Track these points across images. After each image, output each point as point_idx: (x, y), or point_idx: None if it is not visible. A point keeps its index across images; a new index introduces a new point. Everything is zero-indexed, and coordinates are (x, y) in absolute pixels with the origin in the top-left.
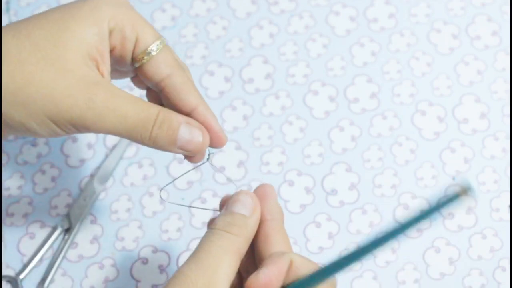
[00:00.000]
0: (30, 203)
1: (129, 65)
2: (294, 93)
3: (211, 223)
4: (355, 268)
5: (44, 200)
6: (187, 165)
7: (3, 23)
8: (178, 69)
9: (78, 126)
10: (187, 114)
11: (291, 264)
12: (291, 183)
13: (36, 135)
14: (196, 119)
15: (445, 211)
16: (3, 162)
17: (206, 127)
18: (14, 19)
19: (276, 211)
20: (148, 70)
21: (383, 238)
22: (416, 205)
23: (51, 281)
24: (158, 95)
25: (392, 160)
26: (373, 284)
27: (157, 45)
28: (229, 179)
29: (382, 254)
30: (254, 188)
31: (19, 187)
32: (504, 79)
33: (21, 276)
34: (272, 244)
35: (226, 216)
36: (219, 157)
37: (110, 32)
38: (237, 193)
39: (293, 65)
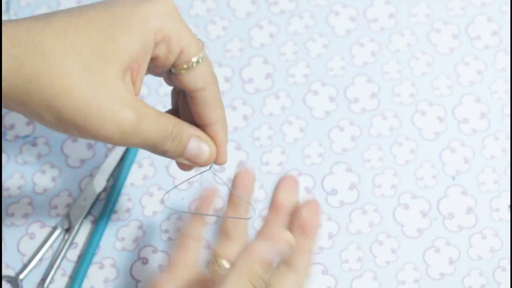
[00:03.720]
0: (30, 203)
1: (167, 71)
2: (294, 93)
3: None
4: (356, 268)
5: (44, 200)
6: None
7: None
8: (212, 84)
9: (101, 140)
10: (204, 125)
11: None
12: None
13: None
14: (208, 134)
15: None
16: (3, 162)
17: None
18: (14, 18)
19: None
20: (184, 80)
21: None
22: (416, 205)
23: (51, 281)
24: (181, 95)
25: (392, 160)
26: (373, 284)
27: (198, 58)
28: (230, 188)
29: (382, 254)
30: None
31: (19, 187)
32: (504, 79)
33: (21, 276)
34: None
35: None
36: None
37: (156, 44)
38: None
39: (293, 65)
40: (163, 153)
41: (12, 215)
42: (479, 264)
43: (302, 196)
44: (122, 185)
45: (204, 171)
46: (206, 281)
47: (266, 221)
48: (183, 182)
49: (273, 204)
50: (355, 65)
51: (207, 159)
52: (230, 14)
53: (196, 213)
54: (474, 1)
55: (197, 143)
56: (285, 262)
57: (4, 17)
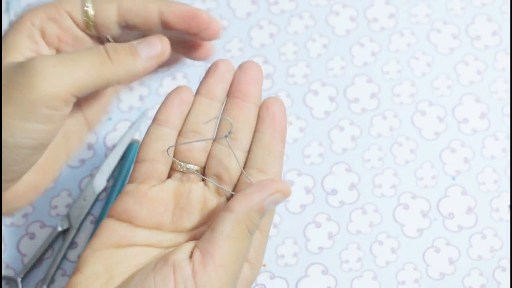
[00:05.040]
0: (30, 203)
1: (86, 33)
2: (294, 93)
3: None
4: (356, 268)
5: (44, 200)
6: None
7: (3, 23)
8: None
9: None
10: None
11: None
12: (291, 183)
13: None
14: (171, 16)
15: None
16: None
17: (189, 17)
18: (14, 19)
19: None
20: (101, 24)
21: None
22: (416, 205)
23: (51, 281)
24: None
25: (392, 160)
26: (373, 284)
27: (86, 7)
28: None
29: (382, 254)
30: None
31: None
32: (504, 79)
33: (21, 276)
34: None
35: None
36: None
37: (42, 33)
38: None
39: (293, 65)
40: (119, 65)
41: (12, 215)
42: (479, 264)
43: (302, 196)
44: (122, 185)
45: (221, 138)
46: (177, 193)
47: (230, 108)
48: (193, 141)
49: (240, 91)
50: (355, 65)
51: (162, 47)
52: (230, 14)
53: (207, 179)
54: (474, 1)
55: (142, 42)
56: (258, 168)
57: (4, 17)
